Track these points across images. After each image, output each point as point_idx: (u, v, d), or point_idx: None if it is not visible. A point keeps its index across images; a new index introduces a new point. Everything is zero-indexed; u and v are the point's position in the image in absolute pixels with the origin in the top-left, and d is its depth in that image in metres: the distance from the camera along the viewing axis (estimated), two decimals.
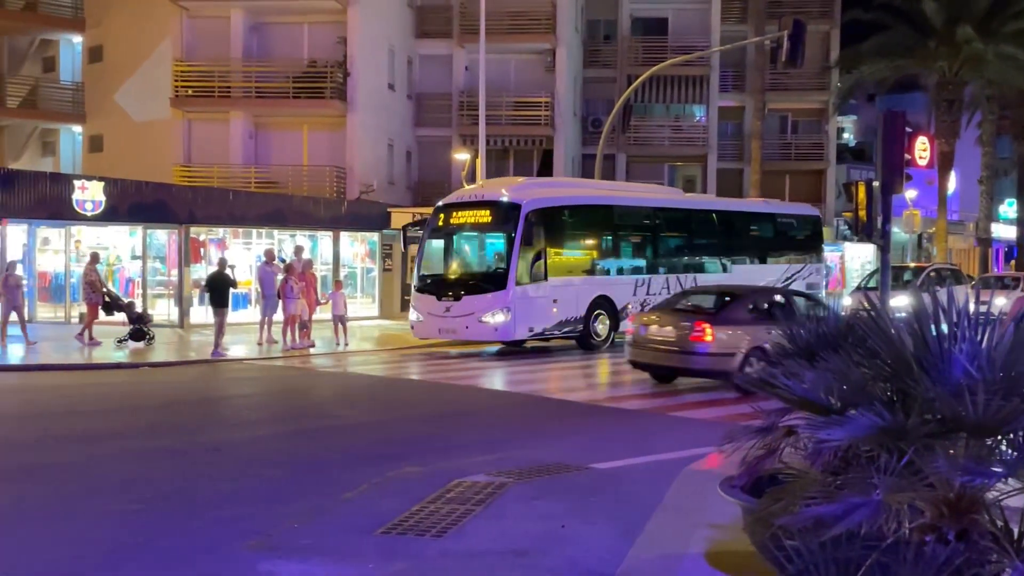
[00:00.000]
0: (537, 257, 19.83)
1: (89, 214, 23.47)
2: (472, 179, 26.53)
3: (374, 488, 8.38)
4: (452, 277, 20.51)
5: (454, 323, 19.64)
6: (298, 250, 23.28)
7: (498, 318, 19.37)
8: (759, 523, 4.76)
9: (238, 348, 19.71)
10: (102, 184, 23.80)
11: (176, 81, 30.76)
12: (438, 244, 20.90)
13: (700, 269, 23.92)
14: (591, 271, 21.67)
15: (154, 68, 31.91)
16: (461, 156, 31.70)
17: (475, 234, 20.97)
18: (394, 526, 7.14)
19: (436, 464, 9.30)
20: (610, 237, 22.55)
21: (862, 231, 14.35)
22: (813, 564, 3.71)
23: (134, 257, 25.09)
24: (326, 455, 9.95)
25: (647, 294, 22.11)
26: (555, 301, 20.22)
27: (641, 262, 22.92)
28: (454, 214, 20.62)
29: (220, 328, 18.98)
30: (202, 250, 24.95)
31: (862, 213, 14.12)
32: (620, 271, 22.31)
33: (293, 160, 31.48)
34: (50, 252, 25.36)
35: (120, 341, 19.37)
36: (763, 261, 25.68)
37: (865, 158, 53.54)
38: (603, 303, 21.27)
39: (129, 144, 32.58)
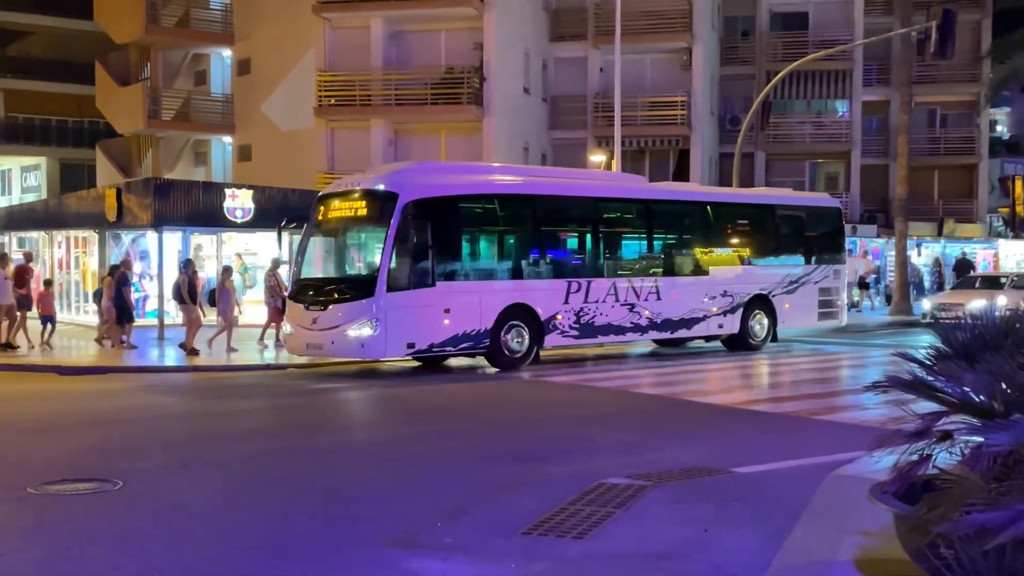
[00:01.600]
0: (421, 257, 16.26)
1: (239, 221, 24.39)
2: None
3: (515, 488, 8.43)
4: (321, 283, 17.19)
5: (320, 337, 16.46)
6: None
7: (364, 331, 15.95)
8: (915, 531, 4.59)
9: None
10: (251, 192, 24.69)
11: (319, 91, 31.66)
12: (313, 243, 17.71)
13: (666, 271, 19.89)
14: (502, 274, 17.82)
15: (298, 79, 32.92)
16: (596, 158, 31.67)
17: (350, 231, 17.55)
18: (535, 527, 7.16)
19: (574, 466, 9.29)
20: (531, 233, 18.49)
21: (1020, 227, 13.69)
22: (975, 573, 3.55)
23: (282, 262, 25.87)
24: (465, 455, 10.05)
25: (585, 301, 18.31)
26: (447, 311, 16.57)
27: (577, 263, 19.04)
28: (332, 207, 17.35)
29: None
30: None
31: (1020, 208, 13.48)
32: (545, 274, 18.25)
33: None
34: (202, 258, 26.41)
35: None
36: (755, 262, 21.33)
37: (1020, 151, 51.08)
38: (520, 313, 17.44)
39: (275, 153, 33.68)
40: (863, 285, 32.97)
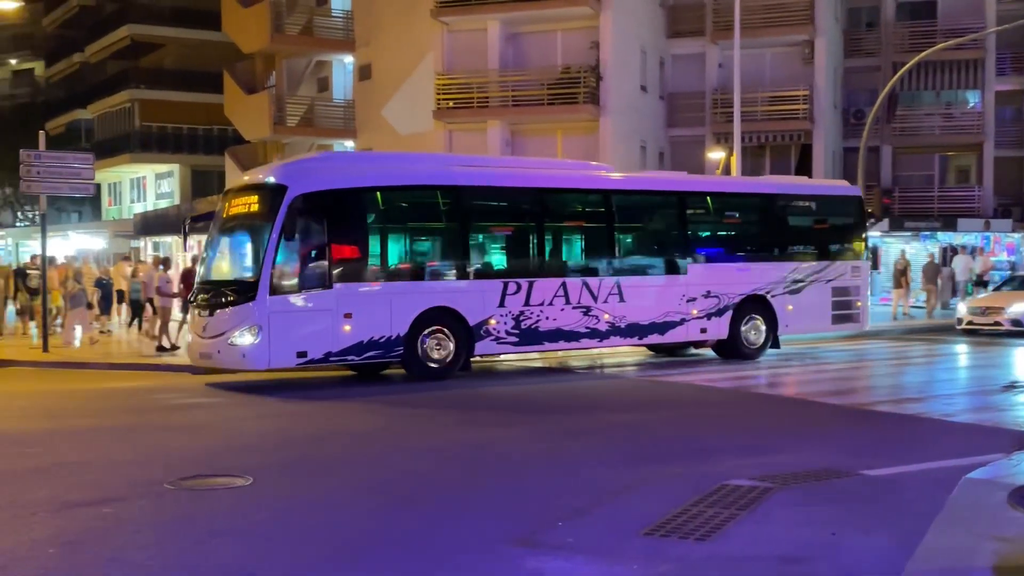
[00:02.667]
0: (314, 257, 14.85)
1: None
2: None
3: (636, 489, 8.39)
4: (213, 286, 15.68)
5: (209, 345, 15.17)
6: None
7: (245, 339, 14.51)
8: None
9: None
10: None
11: (438, 94, 32.04)
12: (213, 242, 16.29)
13: (632, 270, 17.85)
14: (419, 274, 16.15)
15: (418, 83, 33.39)
16: (715, 155, 31.25)
17: (242, 228, 15.80)
18: (657, 527, 7.11)
19: (696, 466, 9.19)
20: (457, 229, 16.54)
21: None
22: None
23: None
24: (584, 454, 10.04)
25: (527, 304, 16.39)
26: (348, 315, 14.91)
27: (517, 262, 17.13)
28: (230, 203, 15.95)
29: None
30: None
31: None
32: (474, 274, 16.38)
33: None
34: None
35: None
36: (747, 259, 19.26)
37: None
38: (442, 317, 15.72)
39: None
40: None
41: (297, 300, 14.65)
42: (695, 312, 18.05)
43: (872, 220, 26.47)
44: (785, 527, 7.17)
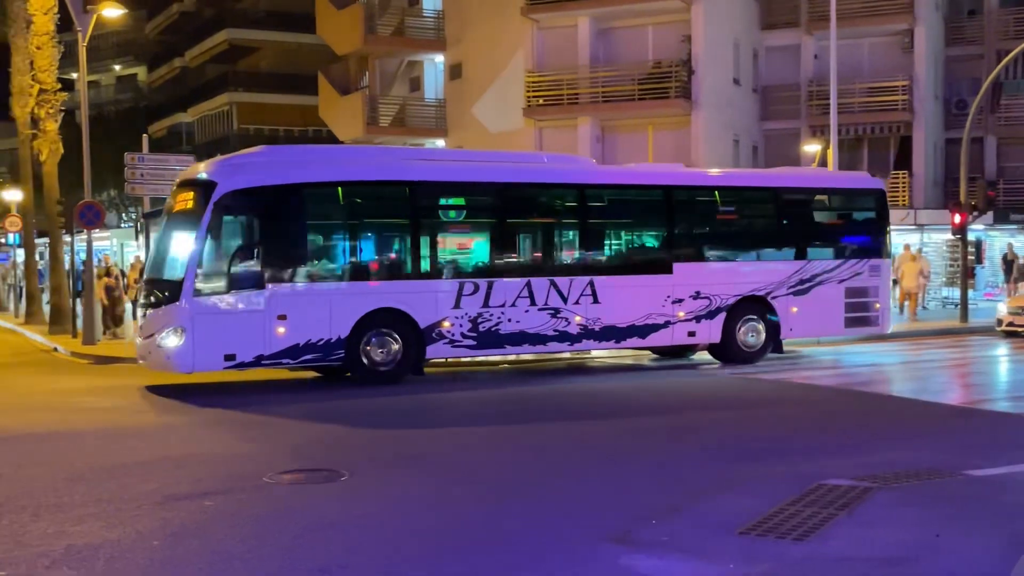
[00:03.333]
0: (243, 256, 14.28)
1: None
2: None
3: (730, 487, 8.28)
4: (150, 284, 15.19)
5: (143, 346, 14.83)
6: None
7: (170, 341, 14.02)
8: None
9: None
10: None
11: (528, 91, 32.10)
12: (155, 239, 15.79)
13: (607, 269, 16.77)
14: (362, 274, 15.35)
15: (508, 81, 33.49)
16: (811, 148, 30.66)
17: (177, 225, 15.04)
18: (753, 527, 7.00)
19: (793, 465, 9.03)
20: (406, 227, 15.74)
21: None
22: None
23: None
24: (678, 452, 9.96)
25: (486, 305, 15.53)
26: (282, 317, 14.30)
27: (475, 261, 16.32)
28: (173, 198, 15.51)
29: None
30: None
31: None
32: (425, 274, 15.59)
33: (639, 161, 31.78)
34: None
35: None
36: (744, 258, 18.04)
37: None
38: (388, 319, 15.02)
39: None
40: None
41: (225, 301, 14.13)
42: (682, 314, 16.83)
43: (976, 213, 25.58)
44: (885, 528, 6.99)
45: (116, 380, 16.43)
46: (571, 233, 17.01)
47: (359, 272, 15.36)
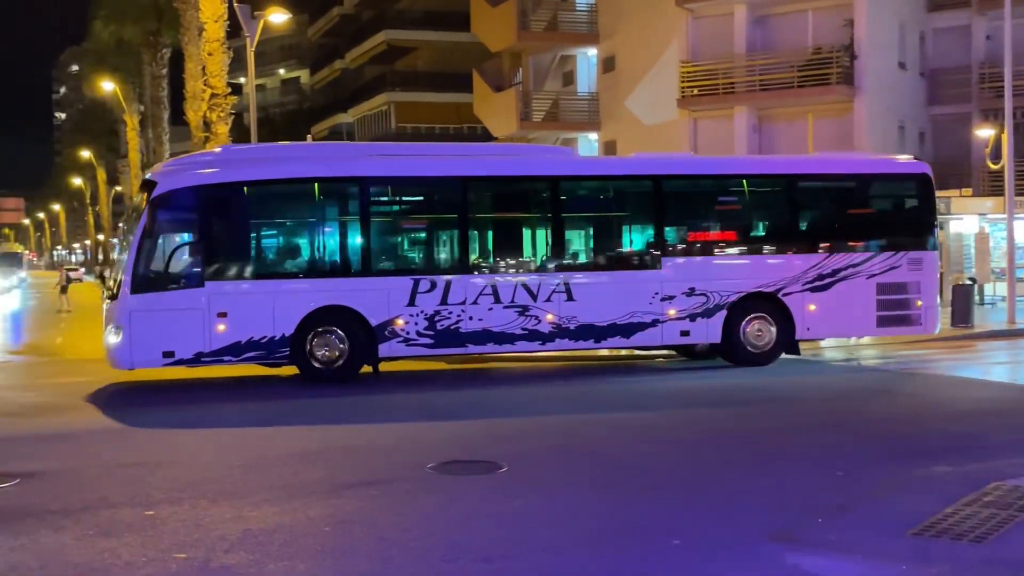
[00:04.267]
0: (183, 254, 14.43)
1: None
2: (996, 158, 24.22)
3: (901, 486, 8.00)
4: (112, 283, 15.08)
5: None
6: None
7: (112, 338, 14.27)
8: None
9: None
10: None
11: (682, 82, 31.70)
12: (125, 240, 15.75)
13: (583, 265, 16.07)
14: (308, 272, 15.20)
15: (661, 72, 33.16)
16: (983, 133, 29.21)
17: (132, 225, 14.95)
18: (927, 527, 6.74)
19: (965, 464, 8.65)
20: (355, 223, 15.35)
21: None
22: None
23: None
24: (840, 448, 9.66)
25: (444, 303, 14.94)
26: (223, 315, 14.23)
27: (432, 257, 15.99)
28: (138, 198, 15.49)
29: None
30: None
31: None
32: (376, 271, 15.24)
33: (798, 150, 30.96)
34: None
35: None
36: (747, 251, 16.48)
37: None
38: (337, 316, 14.70)
39: (640, 147, 33.96)
40: None
41: (163, 299, 14.16)
42: (672, 313, 15.64)
43: None
44: None
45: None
46: (540, 228, 16.25)
47: (304, 269, 15.29)
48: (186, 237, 14.61)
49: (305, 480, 8.64)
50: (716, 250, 16.43)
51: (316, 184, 15.28)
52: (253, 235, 15.18)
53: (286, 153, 16.40)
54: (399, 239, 16.20)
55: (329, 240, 15.63)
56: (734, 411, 12.37)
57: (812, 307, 16.09)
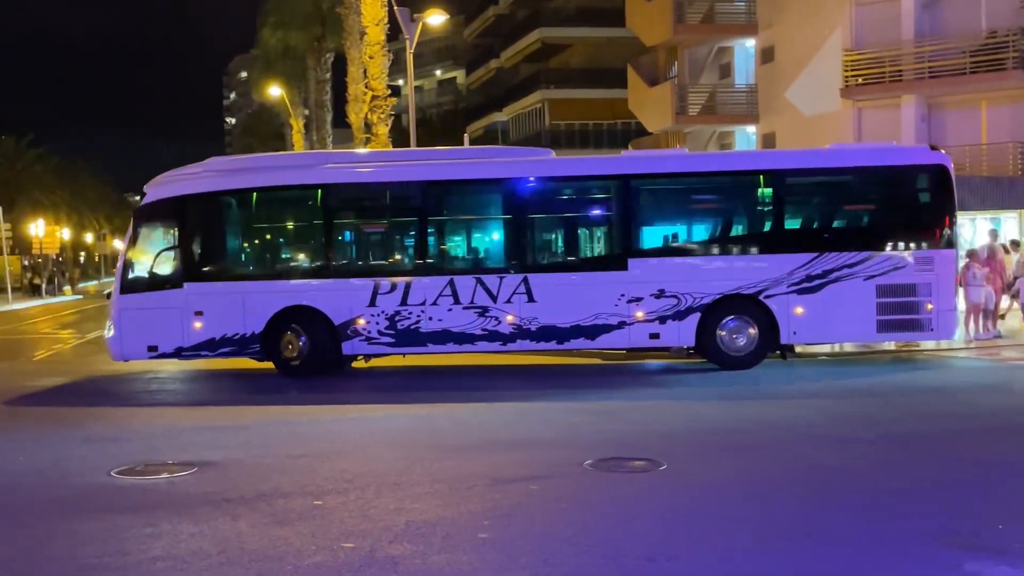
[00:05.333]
0: (164, 258, 15.89)
1: None
2: None
3: None
4: None
5: None
6: (993, 234, 21.81)
7: (108, 333, 16.15)
8: None
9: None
10: None
11: (845, 71, 30.71)
12: None
13: (544, 266, 15.85)
14: (276, 274, 16.25)
15: (823, 61, 32.20)
16: None
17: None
18: None
19: None
20: (319, 227, 16.22)
21: None
22: None
23: None
24: (1003, 452, 9.16)
25: (404, 303, 15.46)
26: (199, 313, 15.61)
27: (392, 259, 16.52)
28: None
29: None
30: None
31: None
32: (338, 273, 15.92)
33: (970, 139, 29.57)
34: None
35: None
36: (724, 251, 15.92)
37: None
38: (302, 316, 15.59)
39: (799, 139, 33.23)
40: None
41: (147, 298, 15.73)
42: (640, 315, 15.34)
43: None
44: None
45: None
46: (499, 230, 16.48)
47: (272, 271, 16.39)
48: (168, 242, 16.04)
49: (465, 474, 8.76)
50: (687, 251, 16.06)
51: (281, 192, 16.34)
52: (225, 240, 16.41)
53: (260, 163, 17.27)
54: (360, 242, 16.96)
55: (296, 244, 17.05)
56: (886, 411, 11.89)
57: (799, 310, 15.32)
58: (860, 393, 13.47)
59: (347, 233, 16.83)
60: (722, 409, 12.40)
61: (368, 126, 32.17)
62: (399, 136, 37.59)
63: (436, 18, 25.93)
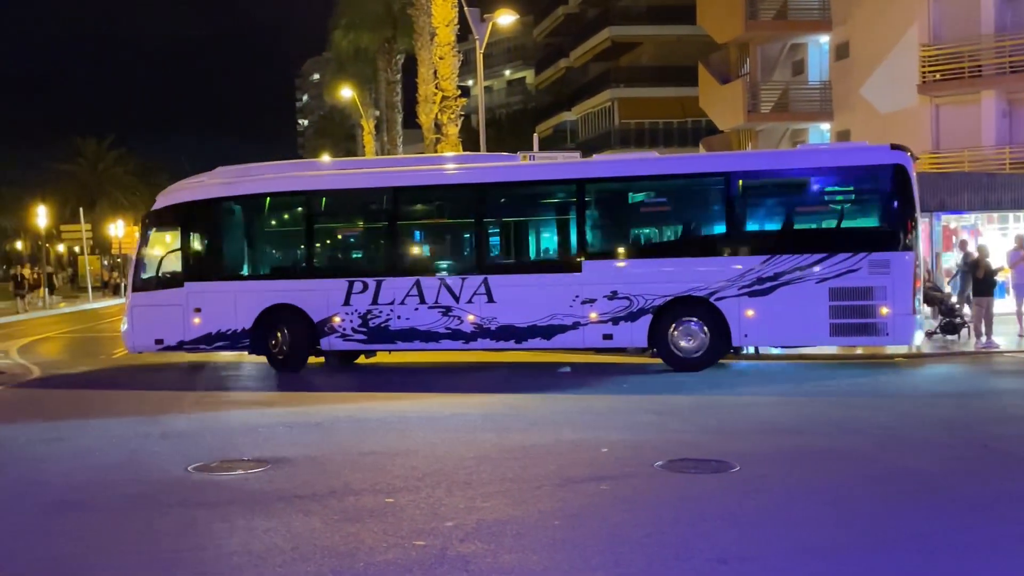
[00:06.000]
0: (168, 261, 17.62)
1: None
2: None
3: None
4: None
5: None
6: None
7: (122, 326, 18.04)
8: None
9: (997, 339, 18.51)
10: None
11: (923, 66, 30.05)
12: None
13: (502, 268, 16.28)
14: (261, 275, 17.48)
15: (899, 57, 31.56)
16: None
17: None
18: None
19: None
20: (300, 232, 17.53)
21: None
22: None
23: None
24: None
25: (375, 303, 16.29)
26: (198, 310, 17.06)
27: (364, 261, 17.55)
28: None
29: (985, 318, 17.92)
30: (953, 238, 23.98)
31: None
32: (317, 274, 16.96)
33: None
34: None
35: (929, 334, 18.35)
36: (675, 254, 15.88)
37: None
38: (287, 314, 16.67)
39: (874, 136, 32.55)
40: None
41: (153, 297, 17.43)
42: (594, 316, 15.57)
43: None
44: None
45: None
46: (462, 233, 17.16)
47: (259, 273, 17.60)
48: (171, 245, 17.73)
49: (535, 474, 8.74)
50: (640, 253, 16.29)
51: (265, 199, 17.63)
52: (220, 243, 17.71)
53: (255, 172, 17.94)
54: (337, 245, 18.34)
55: (280, 246, 18.34)
56: (960, 414, 11.59)
57: (750, 312, 15.19)
58: (931, 395, 13.16)
59: (324, 236, 18.19)
60: (789, 409, 12.20)
61: (438, 127, 32.32)
62: (468, 136, 37.69)
63: (506, 18, 25.98)
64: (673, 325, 15.52)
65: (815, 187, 16.07)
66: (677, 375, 15.23)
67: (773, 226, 15.97)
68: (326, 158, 19.40)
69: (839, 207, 15.86)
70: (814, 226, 15.98)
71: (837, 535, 6.80)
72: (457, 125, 31.55)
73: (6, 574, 6.57)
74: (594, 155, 19.38)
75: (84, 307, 41.39)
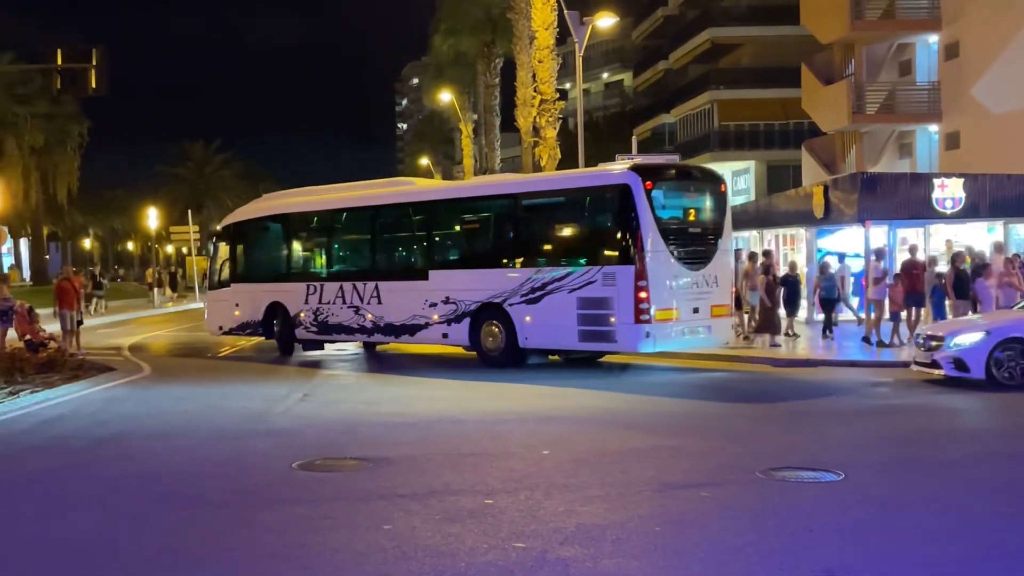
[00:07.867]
0: (224, 267, 22.99)
1: (948, 212, 23.32)
2: None
3: None
4: None
5: None
6: None
7: (205, 316, 24.16)
8: None
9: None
10: (962, 180, 23.47)
11: None
12: None
13: (385, 275, 19.53)
14: (267, 279, 21.94)
15: (1014, 57, 30.51)
16: None
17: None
18: None
19: None
20: (287, 244, 22.17)
21: None
22: None
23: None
24: None
25: (320, 302, 20.27)
26: (237, 305, 22.08)
27: (314, 268, 21.53)
28: None
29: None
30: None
31: None
32: (293, 278, 21.40)
33: None
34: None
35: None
36: (480, 266, 17.94)
37: None
38: (278, 309, 21.14)
39: (987, 138, 31.61)
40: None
41: (216, 294, 23.27)
42: (436, 317, 18.21)
43: None
44: None
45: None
46: (366, 246, 20.82)
47: (267, 277, 22.03)
48: (226, 256, 23.06)
49: (634, 478, 8.69)
50: (461, 263, 18.78)
51: (267, 220, 22.46)
52: (246, 254, 22.79)
53: (278, 197, 23.53)
54: (301, 256, 22.21)
55: (277, 257, 22.30)
56: None
57: (528, 318, 16.86)
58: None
59: (300, 247, 22.22)
60: (896, 421, 11.88)
61: (536, 130, 32.40)
62: (566, 139, 37.66)
63: (605, 21, 25.91)
64: (481, 327, 17.58)
65: (570, 207, 17.57)
66: (779, 379, 14.95)
67: (541, 242, 17.71)
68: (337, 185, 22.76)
69: (586, 224, 17.37)
70: (565, 242, 17.40)
71: (946, 549, 6.61)
72: (555, 128, 31.58)
73: (119, 565, 6.80)
74: (650, 159, 22.48)
75: (192, 306, 42.58)
